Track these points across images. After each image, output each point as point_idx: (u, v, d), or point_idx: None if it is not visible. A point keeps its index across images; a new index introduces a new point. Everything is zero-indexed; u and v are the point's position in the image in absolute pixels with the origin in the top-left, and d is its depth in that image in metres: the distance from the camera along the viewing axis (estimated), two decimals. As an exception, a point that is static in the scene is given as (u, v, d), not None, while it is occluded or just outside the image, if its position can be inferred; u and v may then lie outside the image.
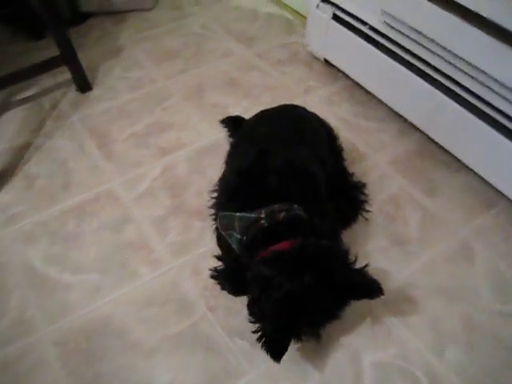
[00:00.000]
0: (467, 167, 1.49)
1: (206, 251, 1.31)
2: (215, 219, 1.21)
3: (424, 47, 1.44)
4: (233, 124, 1.56)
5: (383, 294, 0.99)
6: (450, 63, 1.38)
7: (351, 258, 1.02)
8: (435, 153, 1.56)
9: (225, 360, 1.11)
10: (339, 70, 1.84)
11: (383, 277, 1.25)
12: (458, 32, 1.28)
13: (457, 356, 1.12)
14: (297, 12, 2.15)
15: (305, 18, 2.04)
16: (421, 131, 1.61)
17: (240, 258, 1.08)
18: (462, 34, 1.27)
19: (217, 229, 1.20)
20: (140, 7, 2.17)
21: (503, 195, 1.42)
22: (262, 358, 1.10)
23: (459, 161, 1.51)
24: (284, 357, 1.08)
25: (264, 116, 1.31)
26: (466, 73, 1.35)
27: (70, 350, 1.13)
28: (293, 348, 1.12)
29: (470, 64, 1.31)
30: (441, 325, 1.17)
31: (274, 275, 0.93)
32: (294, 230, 1.00)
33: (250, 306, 1.01)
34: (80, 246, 1.33)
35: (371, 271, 1.01)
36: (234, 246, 1.07)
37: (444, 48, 1.36)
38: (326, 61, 1.85)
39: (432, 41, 1.38)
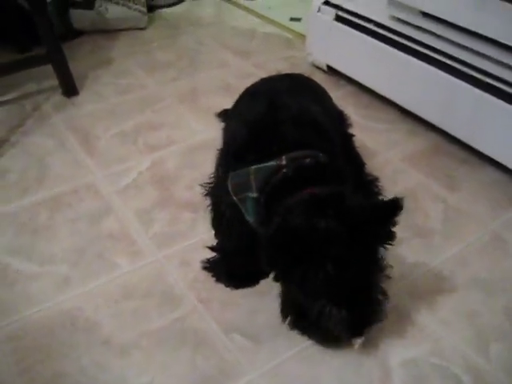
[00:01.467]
0: (489, 162, 1.34)
1: (197, 242, 1.12)
2: (207, 194, 1.04)
3: (433, 33, 1.34)
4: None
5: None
6: (462, 45, 1.28)
7: None
8: (452, 150, 1.42)
9: (219, 358, 0.89)
10: (342, 77, 1.74)
11: (409, 267, 1.06)
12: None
13: (504, 352, 0.91)
14: (295, 31, 2.09)
15: (304, 36, 1.97)
16: (434, 131, 1.47)
17: (256, 227, 0.88)
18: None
19: (213, 204, 1.03)
20: (133, 26, 2.10)
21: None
22: (266, 356, 0.89)
23: (480, 157, 1.36)
24: (291, 353, 0.88)
25: (266, 79, 1.17)
26: (480, 53, 1.25)
27: (26, 346, 0.90)
28: (303, 343, 0.91)
29: (485, 40, 1.20)
30: (481, 319, 0.97)
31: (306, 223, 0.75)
32: (323, 180, 0.82)
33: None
34: (51, 237, 1.13)
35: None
36: (249, 212, 0.88)
37: (453, 25, 1.26)
38: (329, 68, 1.75)
39: (440, 21, 1.29)
